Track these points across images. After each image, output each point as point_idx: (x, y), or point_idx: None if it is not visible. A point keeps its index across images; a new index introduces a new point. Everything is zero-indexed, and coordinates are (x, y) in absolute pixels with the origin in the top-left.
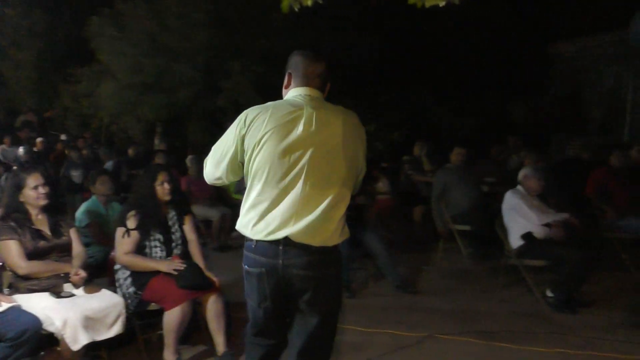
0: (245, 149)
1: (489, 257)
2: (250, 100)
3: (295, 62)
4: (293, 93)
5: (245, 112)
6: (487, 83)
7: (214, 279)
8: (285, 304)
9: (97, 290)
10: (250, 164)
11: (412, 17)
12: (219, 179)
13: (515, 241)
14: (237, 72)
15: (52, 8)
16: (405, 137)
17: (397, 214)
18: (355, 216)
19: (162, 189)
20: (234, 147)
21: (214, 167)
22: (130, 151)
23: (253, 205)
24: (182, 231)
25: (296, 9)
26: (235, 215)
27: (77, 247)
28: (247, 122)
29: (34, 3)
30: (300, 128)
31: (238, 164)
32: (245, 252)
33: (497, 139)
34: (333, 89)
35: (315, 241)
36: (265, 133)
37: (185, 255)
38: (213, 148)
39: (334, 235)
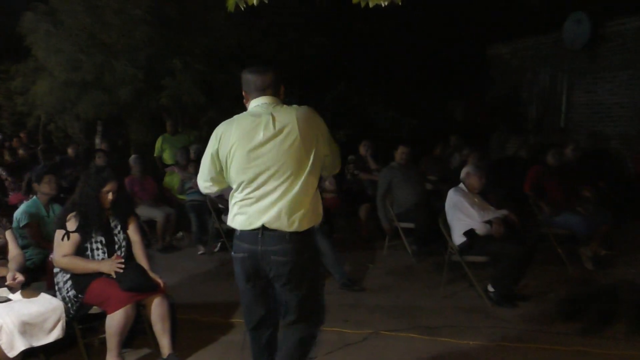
0: (221, 160)
1: (432, 254)
2: (193, 98)
3: (247, 81)
4: (252, 104)
5: (216, 128)
6: (429, 83)
7: (159, 280)
8: (268, 285)
9: (36, 294)
10: (228, 171)
11: (355, 16)
12: (210, 188)
13: (457, 238)
14: (179, 70)
15: None
16: (348, 137)
17: (343, 212)
18: None
19: (107, 198)
20: (211, 162)
21: (203, 180)
22: (70, 150)
23: (236, 203)
24: (125, 233)
25: (242, 8)
26: (180, 215)
27: (13, 250)
28: (218, 138)
29: None
30: (261, 134)
31: (218, 174)
32: (234, 241)
33: (439, 138)
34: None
35: (289, 227)
36: (233, 144)
37: (129, 257)
38: (201, 164)
39: (304, 219)
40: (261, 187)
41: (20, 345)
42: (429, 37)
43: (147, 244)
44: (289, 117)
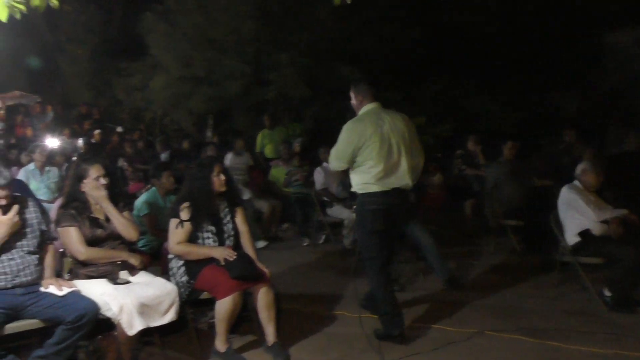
0: (357, 147)
1: (541, 254)
2: (298, 92)
3: (364, 89)
4: (368, 107)
5: (351, 125)
6: (536, 74)
7: (265, 270)
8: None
9: (152, 278)
10: (362, 153)
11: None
12: (342, 166)
13: (570, 237)
14: (285, 65)
15: (107, 4)
16: (452, 131)
17: (448, 207)
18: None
19: (219, 180)
20: (350, 148)
21: (339, 160)
22: (185, 144)
23: (372, 175)
24: (233, 223)
25: (348, 1)
26: (285, 207)
27: None
28: (357, 131)
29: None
30: (385, 127)
31: (351, 156)
32: (367, 198)
33: (548, 132)
34: (379, 82)
35: (407, 186)
36: (372, 134)
37: (237, 247)
38: (334, 149)
39: (412, 182)
40: (389, 162)
41: (138, 325)
42: (537, 25)
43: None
44: (398, 117)
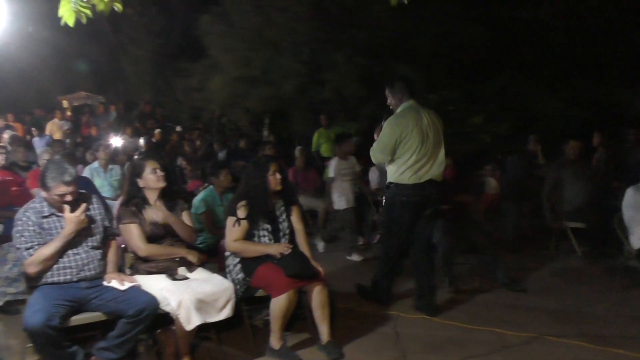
0: (399, 140)
1: (604, 257)
2: (354, 91)
3: (402, 87)
4: (407, 104)
5: (394, 120)
6: (600, 71)
7: (320, 268)
8: (416, 220)
9: (209, 275)
10: (404, 146)
11: (519, 1)
12: (385, 159)
13: (636, 241)
14: (341, 64)
15: (168, 7)
16: (512, 130)
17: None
18: (458, 211)
19: (274, 179)
20: (393, 142)
21: (382, 153)
22: (242, 143)
23: (409, 167)
24: (289, 221)
25: (405, 1)
26: None
27: None
28: (399, 126)
29: (151, 2)
30: (423, 123)
31: (393, 150)
32: (400, 190)
33: (612, 132)
34: (437, 80)
35: (438, 178)
36: (411, 130)
37: (292, 245)
38: (378, 143)
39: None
40: (427, 155)
41: (196, 320)
42: (603, 19)
43: (308, 233)
44: (433, 114)
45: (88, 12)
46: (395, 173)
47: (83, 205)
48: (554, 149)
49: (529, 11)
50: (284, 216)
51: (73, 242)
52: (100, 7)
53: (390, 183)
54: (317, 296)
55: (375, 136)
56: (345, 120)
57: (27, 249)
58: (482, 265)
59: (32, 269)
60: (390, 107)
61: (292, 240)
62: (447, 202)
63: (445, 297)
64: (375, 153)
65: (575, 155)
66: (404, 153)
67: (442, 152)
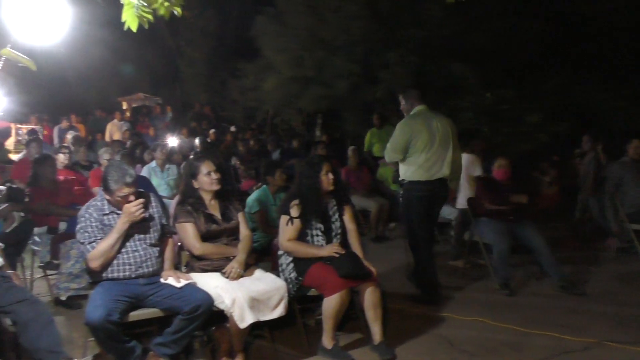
0: (411, 140)
1: None
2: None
3: (414, 94)
4: (418, 108)
5: (405, 122)
6: None
7: (372, 268)
8: (432, 211)
9: (262, 274)
10: (414, 146)
11: None
12: (397, 157)
13: None
14: (394, 63)
15: (223, 9)
16: (571, 129)
17: (564, 209)
18: (514, 211)
19: (327, 179)
20: (405, 141)
21: (395, 152)
22: (295, 142)
23: (420, 165)
24: (341, 221)
25: None
26: (393, 206)
27: (244, 231)
28: (411, 127)
29: (207, 5)
30: (434, 125)
31: (404, 149)
32: (414, 186)
33: None
34: (491, 79)
35: (447, 176)
36: (421, 131)
37: (345, 245)
38: (391, 143)
39: (450, 173)
40: (436, 154)
41: (249, 318)
42: None
43: (360, 233)
44: (444, 118)
45: (150, 16)
46: (407, 171)
47: (140, 200)
48: (617, 148)
49: (589, 6)
50: (336, 216)
51: (132, 239)
52: (161, 11)
53: (403, 180)
54: (370, 296)
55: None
56: (398, 120)
57: (90, 243)
58: (539, 267)
59: (94, 263)
60: (403, 111)
61: (344, 240)
62: (502, 203)
63: (499, 300)
64: (389, 152)
65: (639, 154)
66: (415, 152)
67: (450, 153)
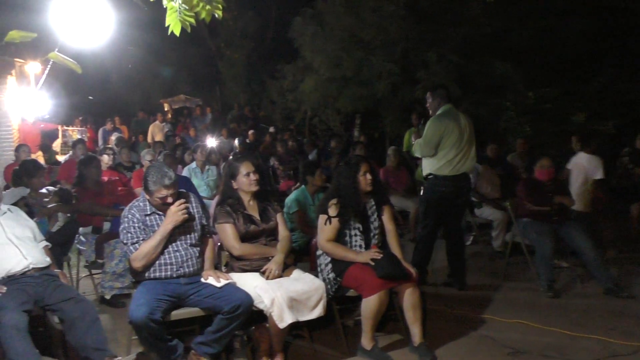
0: (442, 138)
1: None
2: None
3: (442, 93)
4: (446, 107)
5: (437, 119)
6: None
7: (411, 269)
8: (450, 208)
9: (301, 274)
10: (445, 141)
11: None
12: (429, 153)
13: None
14: (433, 63)
15: (262, 11)
16: (618, 128)
17: (612, 210)
18: (558, 212)
19: (365, 179)
20: (437, 139)
21: (429, 148)
22: (333, 143)
23: (449, 160)
24: (380, 221)
25: None
26: None
27: (282, 232)
28: (443, 126)
29: (247, 7)
30: (462, 122)
31: (436, 146)
32: (438, 181)
33: None
34: (534, 78)
35: (472, 170)
36: (452, 130)
37: (383, 245)
38: (424, 139)
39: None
40: (462, 151)
41: (288, 318)
42: None
43: (399, 233)
44: (464, 115)
45: (192, 20)
46: (435, 165)
47: (182, 201)
48: None
49: (634, 1)
50: (375, 216)
51: (173, 239)
52: (203, 14)
53: (430, 174)
54: (409, 297)
55: (412, 139)
56: None
57: (133, 243)
58: (585, 268)
59: (137, 264)
60: (428, 109)
61: (383, 240)
62: (545, 204)
63: (543, 302)
64: (422, 148)
65: None
66: (444, 148)
67: (473, 149)
